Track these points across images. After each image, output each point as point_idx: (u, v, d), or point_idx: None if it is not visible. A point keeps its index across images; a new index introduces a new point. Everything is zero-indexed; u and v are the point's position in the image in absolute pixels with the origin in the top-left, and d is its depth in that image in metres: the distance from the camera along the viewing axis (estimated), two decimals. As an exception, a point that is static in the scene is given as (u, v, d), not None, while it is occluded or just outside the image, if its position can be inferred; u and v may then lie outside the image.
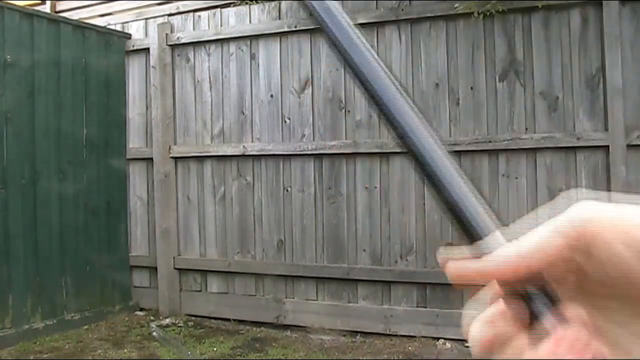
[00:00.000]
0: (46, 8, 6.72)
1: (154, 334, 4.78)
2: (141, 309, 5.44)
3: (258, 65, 5.08)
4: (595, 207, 0.34)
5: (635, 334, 0.34)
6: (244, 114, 5.14)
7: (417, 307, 4.56)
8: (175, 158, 5.36)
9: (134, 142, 5.57)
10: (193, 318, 5.20)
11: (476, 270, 0.35)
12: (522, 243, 0.35)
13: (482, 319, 0.37)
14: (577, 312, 0.35)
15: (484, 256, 0.35)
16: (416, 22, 4.59)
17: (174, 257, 5.35)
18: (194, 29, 5.35)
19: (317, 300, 4.86)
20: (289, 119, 4.96)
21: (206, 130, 5.28)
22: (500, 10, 4.30)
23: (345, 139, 4.76)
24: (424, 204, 4.53)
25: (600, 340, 0.34)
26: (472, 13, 4.34)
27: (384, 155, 4.63)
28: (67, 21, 5.22)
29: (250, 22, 5.12)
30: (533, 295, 0.35)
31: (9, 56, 4.55)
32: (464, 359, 4.23)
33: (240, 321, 5.04)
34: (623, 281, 0.33)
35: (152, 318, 5.22)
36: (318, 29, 0.45)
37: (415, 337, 4.50)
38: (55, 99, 4.90)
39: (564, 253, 0.34)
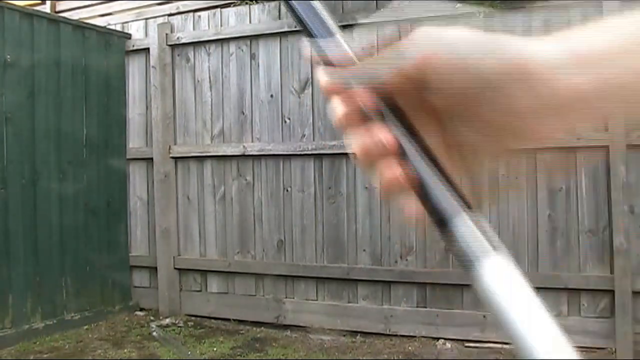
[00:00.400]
0: (46, 8, 6.72)
1: (154, 334, 4.78)
2: (141, 309, 5.44)
3: (258, 65, 5.08)
4: (425, 32, 0.43)
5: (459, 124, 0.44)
6: (244, 114, 5.14)
7: (417, 307, 4.56)
8: (175, 158, 5.36)
9: (134, 142, 5.57)
10: (193, 318, 5.20)
11: (347, 75, 0.46)
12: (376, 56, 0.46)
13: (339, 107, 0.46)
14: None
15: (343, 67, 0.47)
16: (416, 22, 4.59)
17: (174, 257, 5.35)
18: (194, 29, 5.35)
19: (317, 300, 4.86)
20: (289, 119, 4.96)
21: (206, 130, 5.28)
22: (500, 10, 4.30)
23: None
24: (424, 204, 4.52)
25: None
26: (472, 13, 4.33)
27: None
28: (67, 21, 5.22)
29: (250, 22, 5.12)
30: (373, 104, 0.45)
31: (9, 56, 4.55)
32: (464, 359, 4.23)
33: (240, 321, 5.04)
34: (451, 96, 0.43)
35: (152, 318, 5.22)
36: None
37: (415, 337, 4.50)
38: (55, 99, 4.90)
39: (402, 77, 0.43)
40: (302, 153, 4.87)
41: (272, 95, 5.03)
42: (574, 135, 4.16)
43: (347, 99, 0.45)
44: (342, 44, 0.50)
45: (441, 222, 0.44)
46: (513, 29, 4.35)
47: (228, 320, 5.09)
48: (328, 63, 0.48)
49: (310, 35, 0.51)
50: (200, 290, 5.30)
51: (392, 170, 0.45)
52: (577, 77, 0.40)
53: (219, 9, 5.33)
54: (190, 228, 5.35)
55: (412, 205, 0.47)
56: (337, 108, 0.46)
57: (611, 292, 4.05)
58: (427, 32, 0.43)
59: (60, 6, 6.87)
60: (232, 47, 5.18)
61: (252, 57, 5.10)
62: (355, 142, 0.45)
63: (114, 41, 5.48)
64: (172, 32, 5.40)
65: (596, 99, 0.41)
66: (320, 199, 4.85)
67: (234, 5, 5.43)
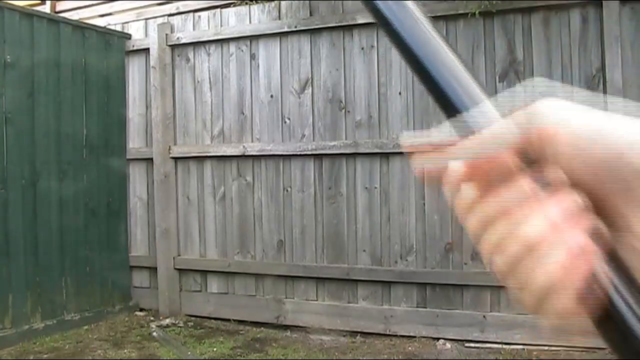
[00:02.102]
0: (46, 8, 6.71)
1: (154, 334, 4.78)
2: (141, 309, 5.44)
3: (258, 66, 5.08)
4: (555, 106, 0.35)
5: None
6: (244, 114, 5.14)
7: (417, 307, 4.56)
8: (175, 158, 5.36)
9: (134, 142, 5.57)
10: (193, 318, 5.20)
11: (437, 167, 0.37)
12: (477, 137, 0.36)
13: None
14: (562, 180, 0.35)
15: (442, 152, 0.37)
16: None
17: (174, 257, 5.35)
18: (194, 29, 5.35)
19: (317, 300, 4.86)
20: (289, 119, 4.96)
21: (206, 131, 5.28)
22: (500, 10, 4.30)
23: (345, 139, 4.76)
24: (424, 204, 4.53)
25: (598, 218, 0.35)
26: (472, 13, 4.34)
27: (384, 155, 4.63)
28: (67, 21, 5.22)
29: (250, 22, 5.12)
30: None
31: (9, 56, 4.55)
32: (464, 359, 4.23)
33: (240, 321, 5.04)
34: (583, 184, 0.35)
35: (152, 318, 5.22)
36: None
37: (415, 337, 4.50)
38: (55, 99, 4.90)
39: (520, 146, 0.35)
40: (302, 153, 4.87)
41: (272, 96, 5.03)
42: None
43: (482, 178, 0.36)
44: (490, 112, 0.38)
45: None
46: (512, 32, 4.35)
47: (228, 320, 5.09)
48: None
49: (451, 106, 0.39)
50: (200, 291, 5.30)
51: (578, 272, 0.33)
52: None
53: (219, 9, 5.33)
54: (190, 228, 5.35)
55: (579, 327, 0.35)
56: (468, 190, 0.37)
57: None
58: (555, 104, 0.36)
59: (60, 6, 6.86)
60: (232, 47, 5.18)
61: (252, 57, 5.10)
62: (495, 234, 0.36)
63: (114, 41, 5.48)
64: (172, 32, 5.40)
65: None
66: (320, 199, 4.85)
67: (234, 6, 5.42)
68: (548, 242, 0.33)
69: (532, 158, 0.36)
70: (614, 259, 0.33)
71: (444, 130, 0.38)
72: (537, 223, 0.34)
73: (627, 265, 0.34)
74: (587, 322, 0.34)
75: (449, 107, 0.38)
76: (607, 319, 0.33)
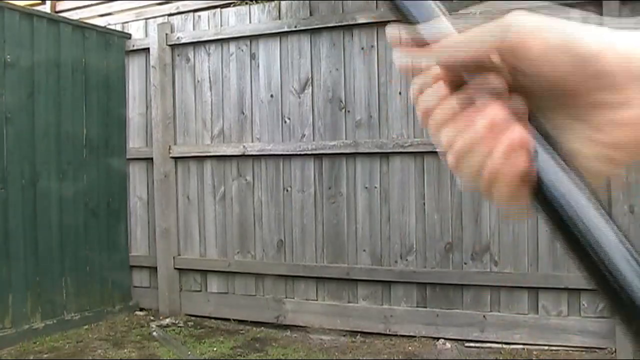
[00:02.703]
0: (46, 8, 6.71)
1: (154, 334, 4.78)
2: (141, 309, 5.44)
3: (258, 65, 5.08)
4: (522, 17, 0.40)
5: (564, 127, 0.41)
6: (244, 114, 5.14)
7: (417, 307, 4.56)
8: (175, 158, 5.36)
9: (134, 142, 5.57)
10: (193, 318, 5.20)
11: (423, 56, 0.42)
12: (458, 36, 0.42)
13: (426, 88, 0.44)
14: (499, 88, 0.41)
15: (428, 44, 0.42)
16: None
17: (174, 257, 5.35)
18: (194, 29, 5.35)
19: (317, 300, 4.86)
20: (289, 119, 4.96)
21: (206, 130, 5.28)
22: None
23: (345, 139, 4.76)
24: (424, 203, 4.53)
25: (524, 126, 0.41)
26: (472, 13, 4.33)
27: (384, 155, 4.63)
28: (67, 21, 5.22)
29: (250, 22, 5.12)
30: (469, 77, 0.41)
31: (9, 56, 4.55)
32: (464, 359, 4.23)
33: (240, 321, 5.04)
34: (544, 84, 0.40)
35: (152, 318, 5.22)
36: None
37: (415, 337, 4.50)
38: (55, 99, 4.90)
39: (491, 50, 0.40)
40: (302, 153, 4.87)
41: (272, 95, 5.03)
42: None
43: (449, 77, 0.42)
44: (443, 25, 0.44)
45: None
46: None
47: (228, 320, 5.09)
48: (420, 43, 0.43)
49: (404, 15, 0.45)
50: (200, 290, 5.30)
51: (514, 163, 0.39)
52: None
53: (219, 9, 5.33)
54: (190, 228, 5.35)
55: (522, 207, 0.41)
56: (431, 91, 0.43)
57: (611, 292, 4.04)
58: (525, 14, 0.41)
59: (60, 6, 6.86)
60: (232, 47, 5.18)
61: (252, 57, 5.10)
62: (456, 126, 0.41)
63: (114, 41, 5.48)
64: (172, 32, 5.40)
65: None
66: (320, 199, 4.85)
67: (234, 5, 5.42)
68: (488, 139, 0.40)
69: (492, 65, 0.41)
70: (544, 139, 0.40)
71: (430, 27, 0.43)
72: (480, 124, 0.40)
73: (556, 142, 0.40)
74: (527, 199, 0.40)
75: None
76: (539, 192, 0.39)
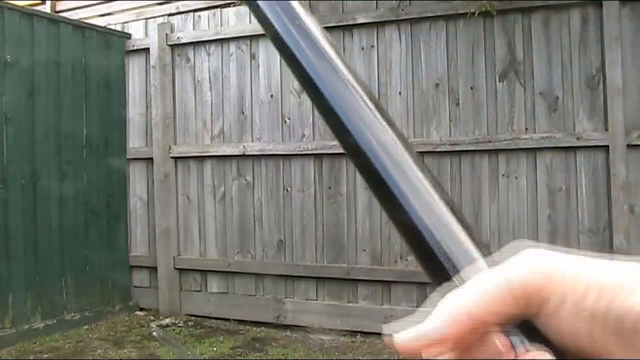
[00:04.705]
0: (46, 8, 6.71)
1: (154, 334, 4.78)
2: (141, 309, 5.44)
3: (258, 65, 5.08)
4: (548, 260, 0.32)
5: None
6: (244, 114, 5.14)
7: (417, 307, 4.53)
8: (175, 158, 5.36)
9: (134, 142, 5.57)
10: (193, 318, 5.20)
11: (421, 344, 0.33)
12: (463, 300, 0.33)
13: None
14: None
15: (424, 325, 0.33)
16: (416, 22, 4.59)
17: (174, 257, 5.35)
18: (194, 29, 5.35)
19: (317, 300, 4.86)
20: (289, 119, 4.96)
21: (206, 130, 5.28)
22: (500, 9, 4.30)
23: (345, 139, 4.75)
24: (424, 204, 4.52)
25: None
26: (472, 13, 4.34)
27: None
28: (67, 21, 5.22)
29: (250, 22, 5.12)
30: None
31: (9, 56, 4.55)
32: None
33: (240, 321, 5.04)
34: (575, 341, 0.32)
35: (152, 318, 5.22)
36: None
37: (415, 337, 4.49)
38: (55, 99, 4.90)
39: (511, 308, 0.32)
40: (302, 153, 4.87)
41: (272, 95, 5.03)
42: (574, 135, 4.17)
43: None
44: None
45: None
46: (512, 32, 4.35)
47: (228, 320, 5.09)
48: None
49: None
50: (200, 290, 5.30)
51: None
52: None
53: (219, 9, 5.33)
54: (190, 228, 5.35)
55: None
56: None
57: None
58: (544, 251, 0.33)
59: (60, 6, 6.86)
60: (232, 47, 5.18)
61: (252, 57, 5.10)
62: None
63: (114, 41, 5.48)
64: (172, 32, 5.40)
65: None
66: (320, 199, 4.85)
67: (234, 5, 5.42)
68: None
69: (515, 315, 0.32)
70: None
71: (433, 313, 0.34)
72: None
73: None
74: None
75: (439, 272, 0.35)
76: None
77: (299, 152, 4.87)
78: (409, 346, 0.34)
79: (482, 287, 0.32)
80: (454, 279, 0.33)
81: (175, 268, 5.35)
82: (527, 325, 0.32)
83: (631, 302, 0.30)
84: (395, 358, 4.24)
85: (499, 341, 0.32)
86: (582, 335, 0.31)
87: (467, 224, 0.35)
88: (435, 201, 0.35)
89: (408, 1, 4.62)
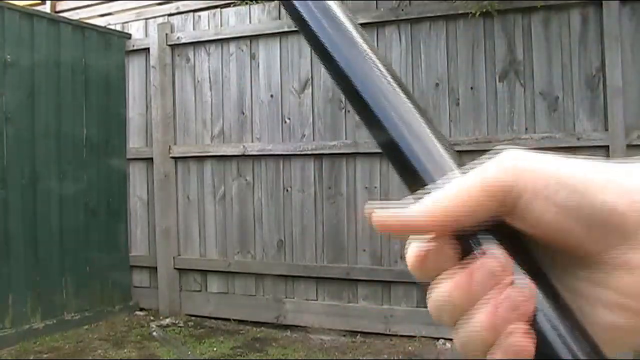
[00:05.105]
0: (46, 8, 6.72)
1: (154, 334, 4.78)
2: (141, 309, 5.44)
3: (258, 65, 5.08)
4: (521, 157, 0.34)
5: (576, 277, 0.34)
6: (244, 114, 5.14)
7: (417, 307, 4.56)
8: (175, 158, 5.37)
9: (134, 142, 5.57)
10: (193, 318, 5.20)
11: (398, 223, 0.35)
12: (442, 194, 0.34)
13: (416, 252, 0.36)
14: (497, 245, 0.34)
15: (405, 208, 0.35)
16: (416, 22, 4.59)
17: (174, 257, 5.35)
18: (194, 29, 5.35)
19: (317, 300, 4.86)
20: (289, 119, 4.96)
21: (206, 130, 5.28)
22: (500, 9, 4.30)
23: (345, 139, 4.76)
24: (424, 204, 4.52)
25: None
26: (472, 13, 4.34)
27: (384, 155, 4.62)
28: (67, 21, 5.22)
29: (250, 22, 5.12)
30: (461, 235, 0.34)
31: (9, 56, 4.55)
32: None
33: (240, 321, 5.04)
34: (548, 234, 0.34)
35: (152, 318, 5.22)
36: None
37: (415, 337, 4.50)
38: (55, 99, 4.90)
39: (486, 204, 0.33)
40: (302, 153, 4.87)
41: (272, 95, 5.03)
42: (574, 135, 4.17)
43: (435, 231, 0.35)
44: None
45: None
46: (512, 32, 4.35)
47: (228, 320, 5.09)
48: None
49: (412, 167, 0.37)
50: (200, 290, 5.30)
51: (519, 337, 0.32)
52: None
53: (219, 9, 5.33)
54: (190, 228, 5.35)
55: None
56: (420, 247, 0.35)
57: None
58: (523, 151, 0.34)
59: (60, 6, 6.86)
60: (232, 47, 5.18)
61: (252, 57, 5.10)
62: (447, 287, 0.34)
63: (114, 41, 5.48)
64: (172, 32, 5.40)
65: None
66: (320, 199, 4.85)
67: (234, 5, 5.43)
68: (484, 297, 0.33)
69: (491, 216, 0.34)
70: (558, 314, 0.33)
71: (413, 205, 0.35)
72: (478, 317, 0.33)
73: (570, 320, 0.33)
74: None
75: (415, 180, 0.37)
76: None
77: (299, 152, 4.87)
78: (385, 222, 0.36)
79: (458, 186, 0.34)
80: (431, 186, 0.35)
81: (175, 268, 5.35)
82: (501, 229, 0.34)
83: (601, 198, 0.32)
84: (396, 358, 4.24)
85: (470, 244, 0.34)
86: (553, 229, 0.33)
87: (444, 138, 0.37)
88: (413, 115, 0.37)
89: (408, 1, 4.62)
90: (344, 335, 4.67)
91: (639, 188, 0.33)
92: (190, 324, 5.09)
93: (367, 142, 4.66)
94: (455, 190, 0.34)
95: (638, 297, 0.33)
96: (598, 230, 0.33)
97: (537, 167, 0.33)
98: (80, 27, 5.24)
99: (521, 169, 0.33)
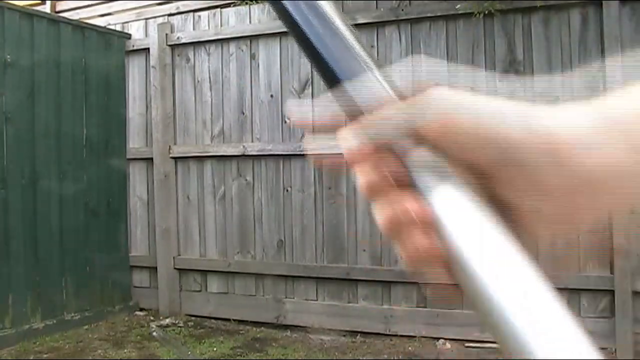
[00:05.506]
0: (46, 8, 6.72)
1: (154, 334, 4.78)
2: (141, 309, 5.44)
3: (258, 65, 5.08)
4: (443, 94, 0.38)
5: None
6: (244, 114, 5.14)
7: (417, 307, 4.56)
8: (175, 158, 5.36)
9: (134, 142, 5.57)
10: (193, 318, 5.20)
11: (328, 151, 0.40)
12: (373, 126, 0.38)
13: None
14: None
15: (332, 132, 0.39)
16: (416, 22, 4.59)
17: (174, 257, 5.35)
18: (194, 29, 5.35)
19: (317, 300, 4.86)
20: (289, 119, 4.96)
21: (206, 130, 5.28)
22: (500, 9, 4.30)
23: (345, 139, 4.75)
24: (424, 204, 4.52)
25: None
26: (472, 13, 4.34)
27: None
28: (67, 21, 5.22)
29: (250, 22, 5.12)
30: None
31: (9, 56, 4.55)
32: (464, 359, 4.23)
33: (240, 321, 5.04)
34: (472, 169, 0.37)
35: (152, 318, 5.22)
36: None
37: (415, 337, 4.50)
38: (55, 99, 4.90)
39: (411, 134, 0.37)
40: (302, 153, 4.87)
41: (272, 95, 5.03)
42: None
43: (371, 163, 0.39)
44: (379, 81, 0.39)
45: None
46: (512, 32, 4.35)
47: (228, 320, 5.09)
48: (352, 115, 0.38)
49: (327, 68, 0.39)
50: (200, 290, 5.30)
51: (417, 243, 0.39)
52: (611, 150, 0.35)
53: (219, 9, 5.33)
54: (190, 228, 5.35)
55: (440, 280, 0.41)
56: (362, 176, 0.39)
57: (611, 292, 4.05)
58: (446, 94, 0.38)
59: (60, 6, 6.87)
60: (232, 47, 5.18)
61: (252, 57, 5.10)
62: (380, 212, 0.39)
63: (114, 41, 5.48)
64: (172, 32, 5.40)
65: (635, 175, 0.36)
66: (320, 199, 4.85)
67: (234, 5, 5.43)
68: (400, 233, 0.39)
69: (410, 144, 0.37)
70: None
71: (330, 102, 0.39)
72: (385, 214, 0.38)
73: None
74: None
75: (329, 74, 0.38)
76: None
77: (299, 152, 4.87)
78: (304, 123, 0.40)
79: (385, 117, 0.38)
80: (347, 84, 0.37)
81: (175, 268, 5.35)
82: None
83: (521, 135, 0.36)
84: (396, 358, 4.24)
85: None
86: (475, 158, 0.37)
87: (362, 42, 0.39)
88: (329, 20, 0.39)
89: (408, 1, 4.62)
90: (344, 335, 4.67)
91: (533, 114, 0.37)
92: (190, 324, 5.09)
93: (367, 142, 4.66)
94: (380, 123, 0.38)
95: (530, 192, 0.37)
96: (516, 166, 0.37)
97: (464, 109, 0.37)
98: (80, 27, 5.24)
99: (451, 114, 0.37)
